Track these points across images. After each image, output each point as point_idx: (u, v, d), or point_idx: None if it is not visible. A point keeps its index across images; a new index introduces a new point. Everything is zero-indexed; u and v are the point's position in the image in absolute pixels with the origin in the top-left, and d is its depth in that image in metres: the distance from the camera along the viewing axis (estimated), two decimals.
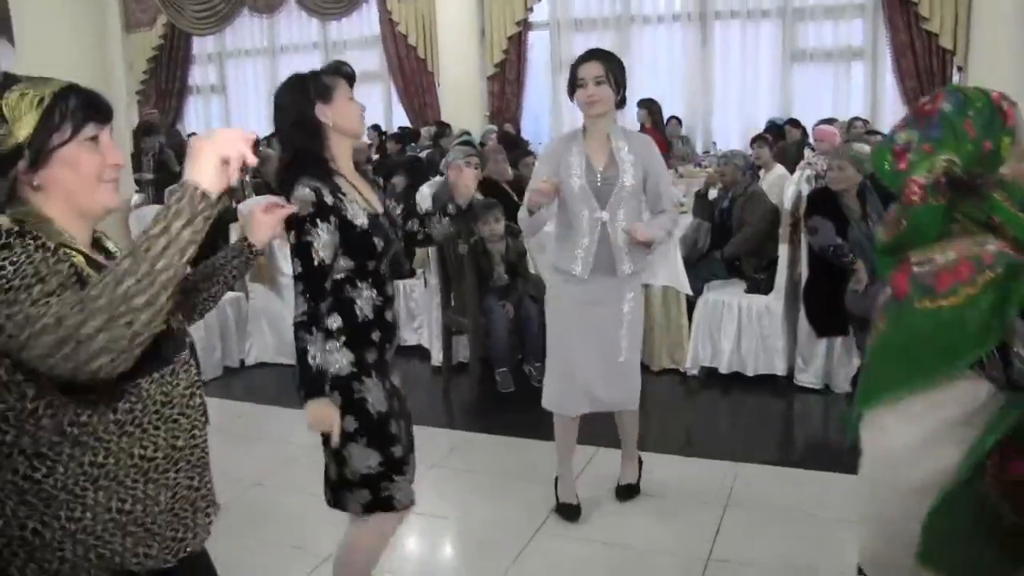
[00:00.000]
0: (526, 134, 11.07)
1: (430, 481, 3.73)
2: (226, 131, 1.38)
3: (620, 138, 3.28)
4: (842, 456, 4.06)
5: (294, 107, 2.38)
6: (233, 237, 5.28)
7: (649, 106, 9.50)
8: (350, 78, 2.48)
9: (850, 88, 10.04)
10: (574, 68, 3.22)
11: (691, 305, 5.09)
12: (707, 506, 3.58)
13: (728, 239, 5.34)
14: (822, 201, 4.72)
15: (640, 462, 3.73)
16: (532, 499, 3.67)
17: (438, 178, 6.10)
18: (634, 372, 3.51)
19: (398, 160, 7.65)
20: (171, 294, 1.34)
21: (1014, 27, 8.70)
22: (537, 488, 3.73)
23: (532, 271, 5.30)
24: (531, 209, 3.15)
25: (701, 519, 3.48)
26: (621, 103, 3.27)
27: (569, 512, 3.55)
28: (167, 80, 13.90)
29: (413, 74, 12.24)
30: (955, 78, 9.49)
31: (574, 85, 3.21)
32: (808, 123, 9.30)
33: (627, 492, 3.69)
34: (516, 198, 6.27)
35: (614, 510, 3.61)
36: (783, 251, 4.88)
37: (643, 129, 8.61)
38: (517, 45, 11.56)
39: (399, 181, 5.91)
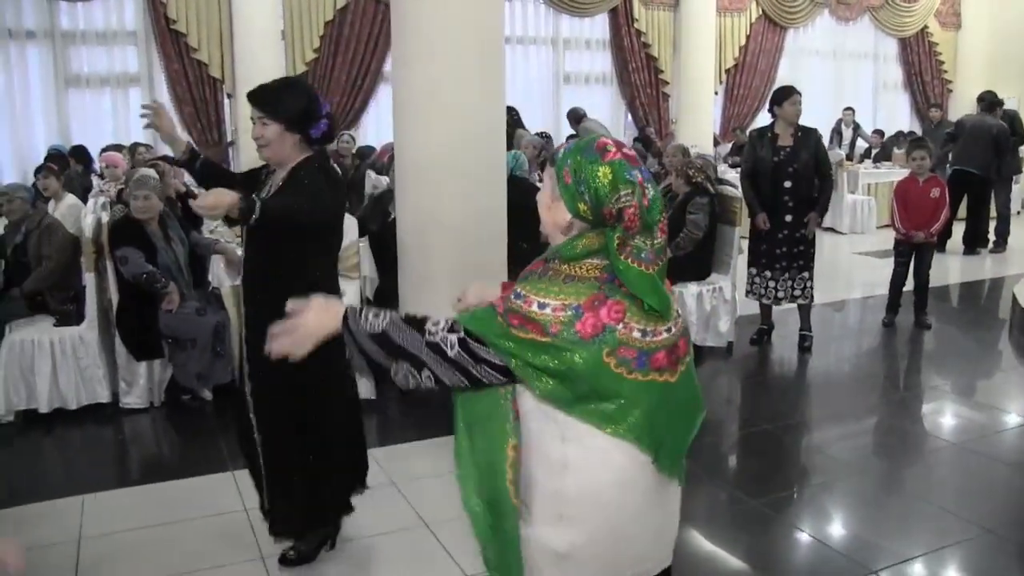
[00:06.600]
0: None
1: None
2: None
3: None
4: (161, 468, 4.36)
5: None
6: None
7: None
8: None
9: (129, 114, 10.11)
10: None
11: None
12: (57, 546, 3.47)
13: (27, 274, 5.10)
14: (126, 230, 4.87)
15: None
16: None
17: None
18: None
19: None
20: None
21: (273, 57, 9.81)
22: None
23: None
24: None
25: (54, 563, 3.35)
26: None
27: None
28: None
29: None
30: (226, 104, 10.31)
31: None
32: (92, 149, 9.25)
33: None
34: None
35: None
36: (89, 280, 4.91)
37: None
38: None
39: None
